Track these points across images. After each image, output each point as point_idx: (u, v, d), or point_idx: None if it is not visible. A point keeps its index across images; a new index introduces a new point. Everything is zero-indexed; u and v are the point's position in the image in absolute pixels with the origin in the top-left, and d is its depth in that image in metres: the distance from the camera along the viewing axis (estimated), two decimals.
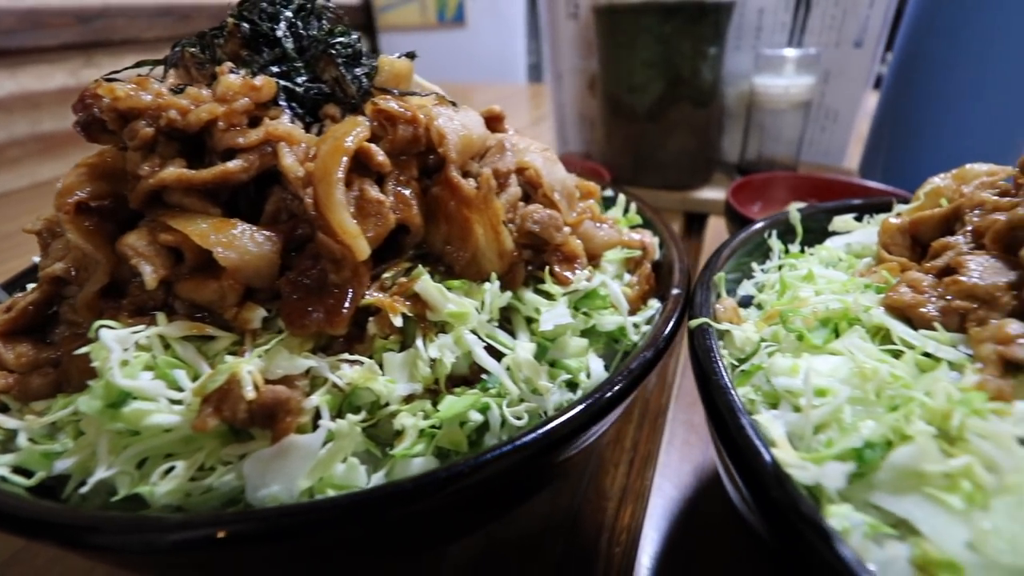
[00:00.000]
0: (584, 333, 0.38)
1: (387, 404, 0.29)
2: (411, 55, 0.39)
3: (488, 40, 3.22)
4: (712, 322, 0.33)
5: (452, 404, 0.28)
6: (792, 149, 1.07)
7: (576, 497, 0.49)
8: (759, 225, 0.48)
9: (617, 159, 1.15)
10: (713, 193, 1.07)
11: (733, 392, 0.27)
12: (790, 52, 1.01)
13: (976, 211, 0.34)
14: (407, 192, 0.33)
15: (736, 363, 0.33)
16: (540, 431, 0.24)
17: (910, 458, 0.23)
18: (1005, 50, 0.91)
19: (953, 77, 0.97)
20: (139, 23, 1.81)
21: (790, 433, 0.27)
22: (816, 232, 0.49)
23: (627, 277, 0.42)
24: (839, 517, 0.23)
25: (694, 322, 0.33)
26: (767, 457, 0.23)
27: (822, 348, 0.30)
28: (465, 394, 0.30)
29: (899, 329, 0.29)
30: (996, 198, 0.33)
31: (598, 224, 0.39)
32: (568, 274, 0.34)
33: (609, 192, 0.54)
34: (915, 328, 0.30)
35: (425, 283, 0.30)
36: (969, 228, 0.33)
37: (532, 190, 0.37)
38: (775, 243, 0.47)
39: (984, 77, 0.92)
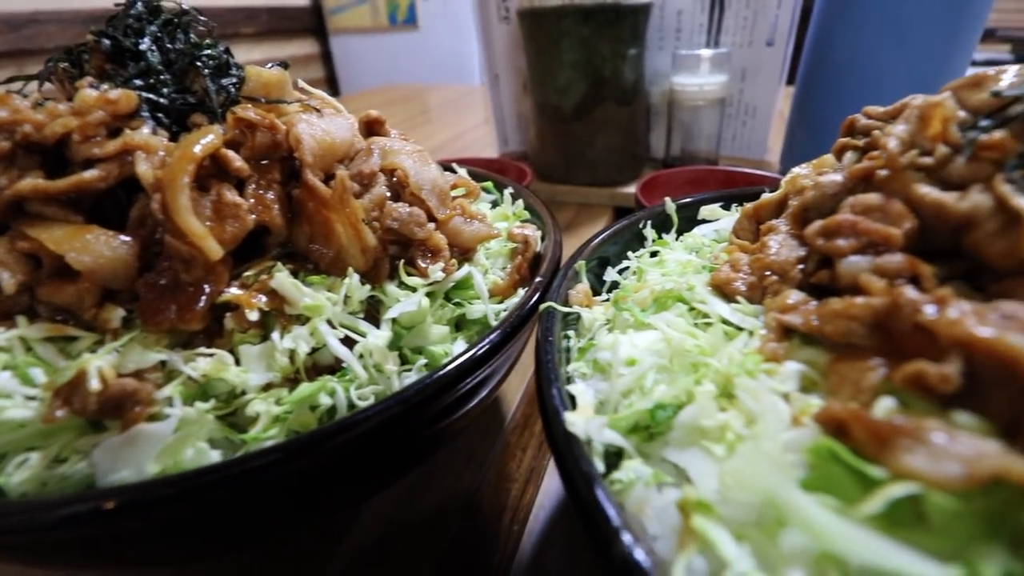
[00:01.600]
0: (459, 321, 0.41)
1: (244, 393, 0.31)
2: (284, 65, 0.41)
3: (441, 42, 3.23)
4: (558, 305, 0.36)
5: (301, 389, 0.31)
6: (712, 144, 1.12)
7: (478, 480, 0.51)
8: (636, 216, 0.52)
9: (549, 158, 1.18)
10: None
11: (553, 365, 0.30)
12: (704, 52, 1.06)
13: (796, 196, 0.38)
14: (268, 195, 0.35)
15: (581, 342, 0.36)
16: (360, 414, 0.27)
17: (692, 416, 0.27)
18: (903, 48, 0.98)
19: (855, 73, 1.03)
20: (72, 30, 1.78)
21: (603, 400, 0.30)
22: (697, 222, 0.53)
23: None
24: (628, 469, 0.26)
25: (542, 306, 0.36)
26: (561, 417, 0.26)
27: (644, 325, 0.33)
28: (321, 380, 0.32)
29: (711, 303, 0.33)
30: (807, 182, 0.36)
31: (468, 220, 0.41)
32: (429, 266, 0.37)
33: (511, 189, 0.57)
34: (730, 302, 0.34)
35: (280, 279, 0.33)
36: (788, 211, 0.37)
37: (401, 189, 0.40)
38: (649, 232, 0.50)
39: (884, 73, 0.98)
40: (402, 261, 0.37)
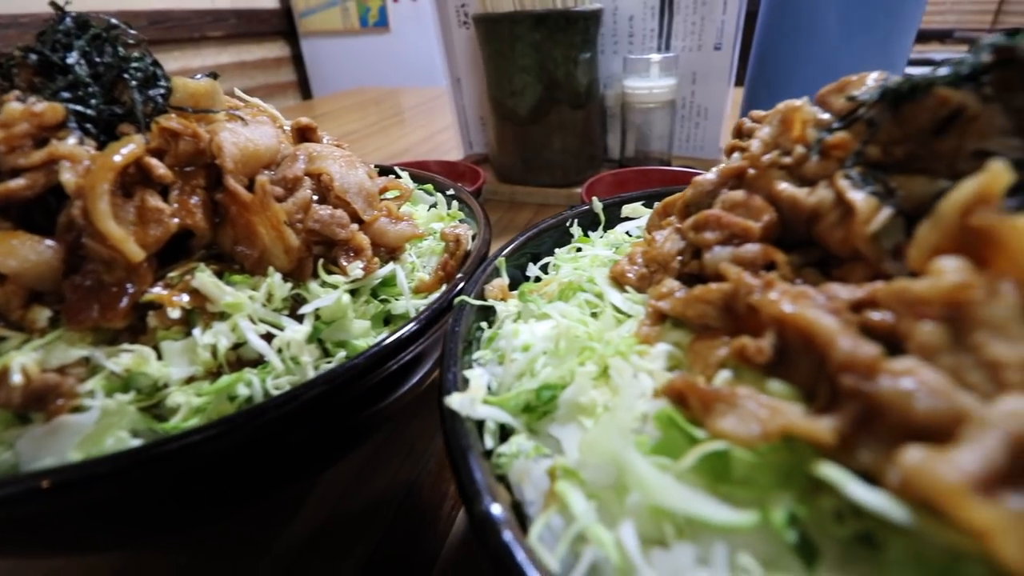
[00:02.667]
0: (388, 316, 0.44)
1: (167, 386, 0.33)
2: (214, 75, 0.43)
3: (413, 44, 3.25)
4: (471, 299, 0.38)
5: (220, 381, 0.33)
6: (665, 144, 1.16)
7: (418, 470, 0.54)
8: (564, 214, 0.55)
9: (508, 159, 1.21)
10: None
11: (454, 352, 0.33)
12: (654, 56, 1.09)
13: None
14: (192, 200, 0.37)
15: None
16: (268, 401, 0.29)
17: (572, 394, 0.29)
18: (840, 50, 1.02)
19: (798, 75, 1.08)
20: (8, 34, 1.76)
21: (500, 383, 0.32)
22: (624, 219, 0.56)
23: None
24: (512, 444, 0.29)
25: (457, 300, 0.38)
26: (450, 398, 0.28)
27: (544, 315, 0.36)
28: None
29: (606, 292, 0.36)
30: (699, 179, 0.40)
31: (394, 221, 0.44)
32: (348, 265, 0.39)
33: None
34: (624, 292, 0.37)
35: (201, 279, 0.35)
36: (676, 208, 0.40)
37: (327, 192, 0.42)
38: (576, 230, 0.53)
39: (824, 74, 1.02)
40: (321, 260, 0.39)
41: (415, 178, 0.64)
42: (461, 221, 0.57)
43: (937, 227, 0.23)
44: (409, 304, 0.41)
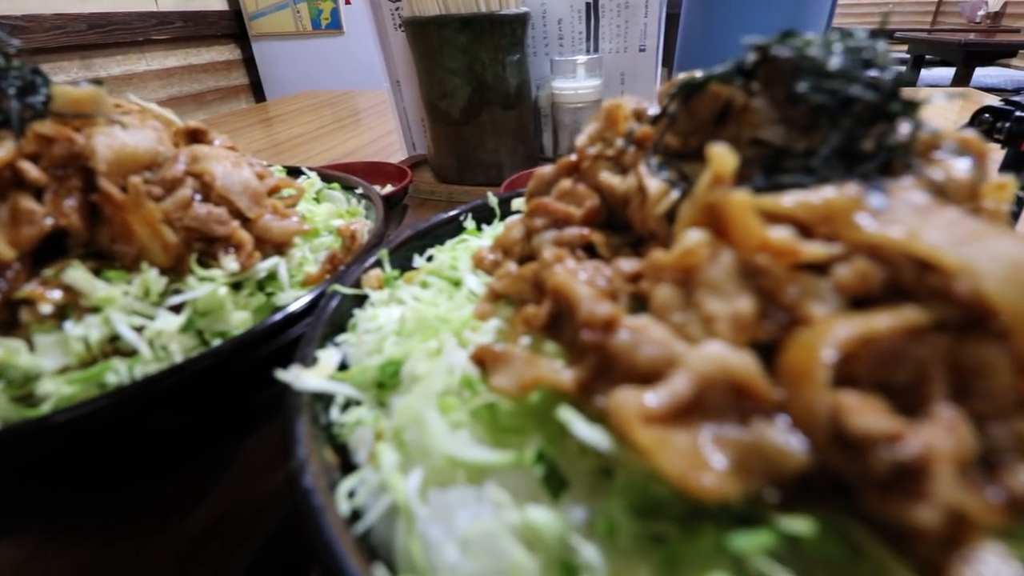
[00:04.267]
0: (276, 307, 0.46)
1: (40, 376, 0.35)
2: (98, 81, 0.45)
3: (367, 47, 3.23)
4: (343, 288, 0.41)
5: (89, 369, 0.35)
6: None
7: None
8: (460, 208, 0.58)
9: (444, 160, 1.24)
10: None
11: (313, 334, 0.35)
12: (579, 58, 1.14)
13: None
14: (68, 201, 0.39)
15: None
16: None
17: (410, 368, 0.32)
18: None
19: None
20: None
21: (354, 362, 0.35)
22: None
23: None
24: (351, 414, 0.32)
25: (329, 288, 0.41)
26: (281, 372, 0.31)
27: (402, 300, 0.39)
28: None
29: (465, 277, 0.39)
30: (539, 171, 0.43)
31: (279, 217, 0.46)
32: (224, 259, 0.41)
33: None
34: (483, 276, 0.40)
35: (72, 275, 0.37)
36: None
37: (209, 191, 0.44)
38: (470, 223, 0.56)
39: None
40: (195, 256, 0.41)
41: (325, 178, 0.66)
42: (367, 218, 0.59)
43: (692, 205, 0.27)
44: (289, 296, 0.44)
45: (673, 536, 0.20)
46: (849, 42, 0.30)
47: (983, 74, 4.04)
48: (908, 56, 4.52)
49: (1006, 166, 0.93)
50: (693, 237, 0.25)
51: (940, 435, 0.19)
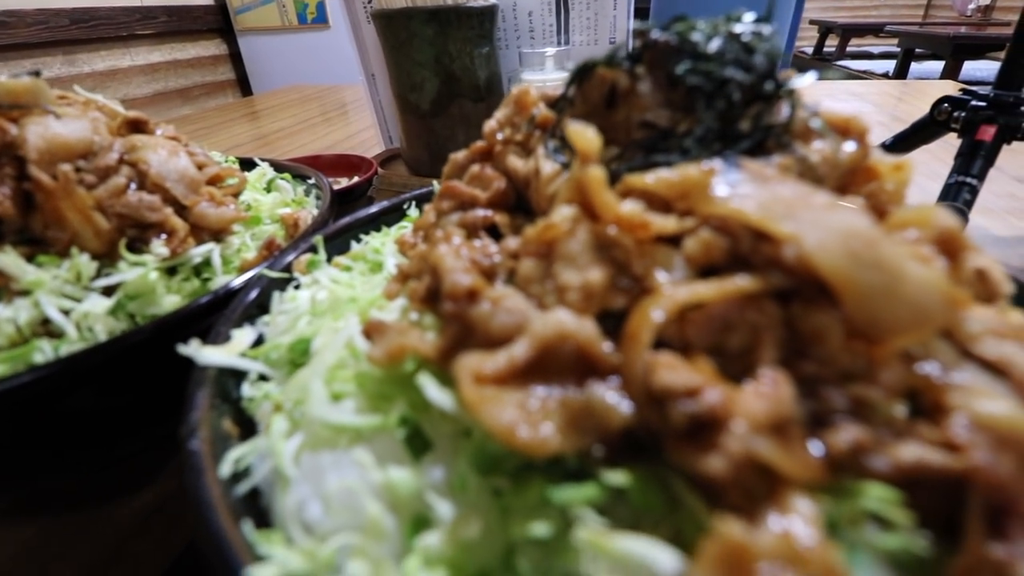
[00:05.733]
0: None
1: None
2: (36, 73, 0.46)
3: None
4: (269, 272, 0.42)
5: (18, 349, 0.36)
6: None
7: None
8: (405, 196, 0.59)
9: (416, 153, 1.25)
10: None
11: (230, 314, 0.37)
12: (548, 50, 1.15)
13: None
14: (0, 188, 0.40)
15: None
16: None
17: (317, 344, 0.34)
18: None
19: None
20: None
21: (269, 340, 0.37)
22: None
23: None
24: (257, 389, 0.33)
25: (255, 272, 0.42)
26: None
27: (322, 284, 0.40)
28: None
29: (386, 259, 0.41)
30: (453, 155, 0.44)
31: (215, 205, 0.47)
32: (152, 244, 0.43)
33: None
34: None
35: (2, 259, 0.38)
36: None
37: (144, 179, 0.45)
38: (413, 211, 0.58)
39: None
40: (123, 241, 0.43)
41: (278, 168, 0.67)
42: (315, 207, 0.60)
43: (567, 184, 0.28)
44: (223, 280, 0.45)
45: (506, 489, 0.21)
46: (730, 27, 0.32)
47: (973, 67, 4.04)
48: (898, 49, 4.52)
49: (961, 154, 0.94)
50: (561, 213, 0.27)
51: (748, 395, 0.20)
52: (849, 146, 0.32)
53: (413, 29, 1.08)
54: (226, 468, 0.26)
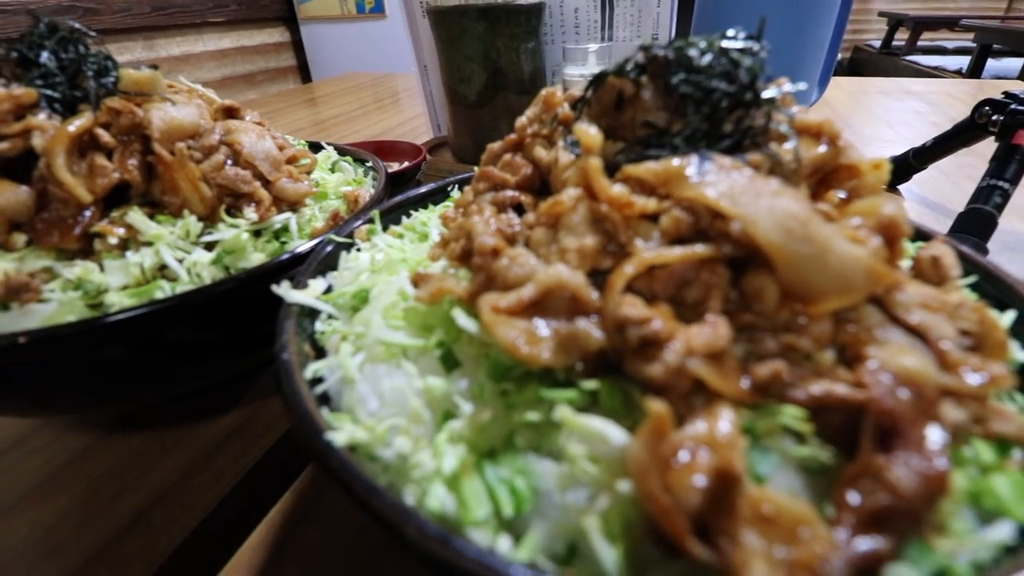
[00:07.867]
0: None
1: (108, 290, 0.47)
2: (154, 66, 0.57)
3: None
4: (337, 237, 0.52)
5: (143, 287, 0.47)
6: None
7: None
8: (448, 180, 0.67)
9: (463, 141, 1.34)
10: None
11: (307, 269, 0.46)
12: (590, 46, 1.20)
13: None
14: (131, 160, 0.50)
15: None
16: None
17: (376, 292, 0.42)
18: (766, 38, 1.12)
19: None
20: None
21: (336, 289, 0.46)
22: None
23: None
24: (328, 324, 0.42)
25: (323, 238, 0.52)
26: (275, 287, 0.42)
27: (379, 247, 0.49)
28: None
29: (431, 230, 0.49)
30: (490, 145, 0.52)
31: (293, 181, 0.57)
32: (245, 211, 0.53)
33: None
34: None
35: (132, 216, 0.48)
36: None
37: (238, 157, 0.55)
38: (455, 192, 0.66)
39: None
40: (222, 207, 0.52)
41: (341, 152, 0.77)
42: (372, 186, 0.70)
43: (576, 171, 0.36)
44: (298, 243, 0.55)
45: (512, 391, 0.29)
46: (722, 44, 0.38)
47: None
48: (974, 45, 4.27)
49: (996, 158, 0.95)
50: (568, 193, 0.34)
51: (693, 329, 0.27)
52: (821, 147, 0.38)
53: (464, 25, 1.16)
54: (308, 373, 0.35)
